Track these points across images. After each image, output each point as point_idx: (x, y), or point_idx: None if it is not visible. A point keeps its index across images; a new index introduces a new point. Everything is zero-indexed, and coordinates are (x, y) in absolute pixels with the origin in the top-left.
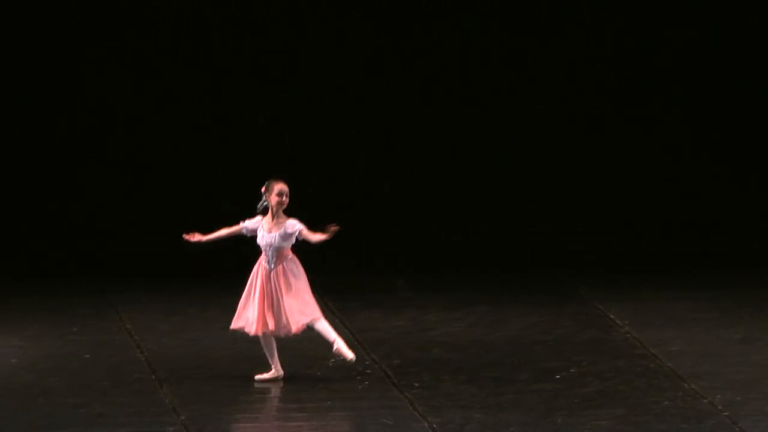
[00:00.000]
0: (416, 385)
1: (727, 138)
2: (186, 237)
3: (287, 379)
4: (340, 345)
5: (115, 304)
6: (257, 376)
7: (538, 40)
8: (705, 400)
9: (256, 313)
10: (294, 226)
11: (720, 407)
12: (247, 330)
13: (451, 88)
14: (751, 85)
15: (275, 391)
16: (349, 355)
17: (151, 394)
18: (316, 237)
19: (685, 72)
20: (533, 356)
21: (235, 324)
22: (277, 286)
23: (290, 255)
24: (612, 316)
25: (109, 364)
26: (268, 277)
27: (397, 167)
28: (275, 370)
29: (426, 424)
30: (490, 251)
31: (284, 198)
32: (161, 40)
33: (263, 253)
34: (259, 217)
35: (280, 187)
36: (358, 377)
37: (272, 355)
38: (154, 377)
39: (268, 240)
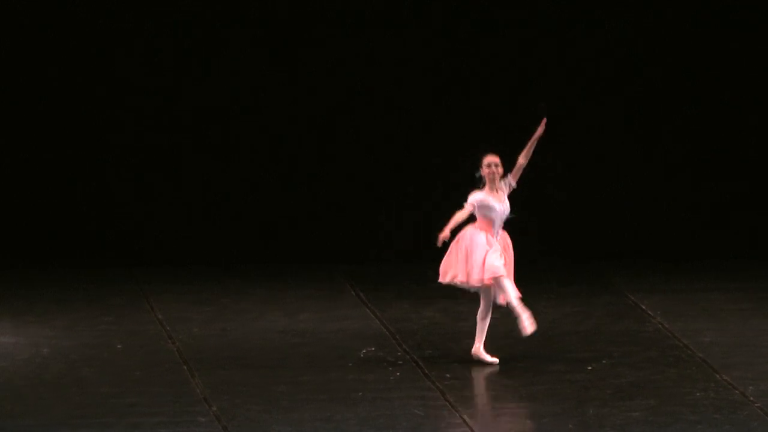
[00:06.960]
0: (448, 375)
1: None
2: (441, 238)
3: (318, 368)
4: (477, 349)
5: (147, 294)
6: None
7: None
8: (737, 391)
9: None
10: (507, 182)
11: (752, 398)
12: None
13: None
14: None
15: (307, 381)
16: (487, 357)
17: (183, 385)
18: (532, 142)
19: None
20: (565, 347)
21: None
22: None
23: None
24: (644, 307)
25: (141, 354)
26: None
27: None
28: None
29: (458, 415)
30: (522, 241)
31: (494, 168)
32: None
33: (479, 225)
34: (482, 193)
35: (488, 159)
36: (390, 368)
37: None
38: (185, 367)
39: (502, 208)
